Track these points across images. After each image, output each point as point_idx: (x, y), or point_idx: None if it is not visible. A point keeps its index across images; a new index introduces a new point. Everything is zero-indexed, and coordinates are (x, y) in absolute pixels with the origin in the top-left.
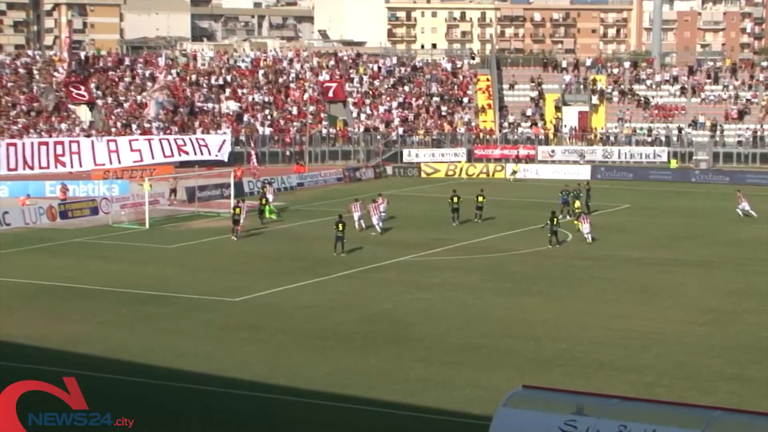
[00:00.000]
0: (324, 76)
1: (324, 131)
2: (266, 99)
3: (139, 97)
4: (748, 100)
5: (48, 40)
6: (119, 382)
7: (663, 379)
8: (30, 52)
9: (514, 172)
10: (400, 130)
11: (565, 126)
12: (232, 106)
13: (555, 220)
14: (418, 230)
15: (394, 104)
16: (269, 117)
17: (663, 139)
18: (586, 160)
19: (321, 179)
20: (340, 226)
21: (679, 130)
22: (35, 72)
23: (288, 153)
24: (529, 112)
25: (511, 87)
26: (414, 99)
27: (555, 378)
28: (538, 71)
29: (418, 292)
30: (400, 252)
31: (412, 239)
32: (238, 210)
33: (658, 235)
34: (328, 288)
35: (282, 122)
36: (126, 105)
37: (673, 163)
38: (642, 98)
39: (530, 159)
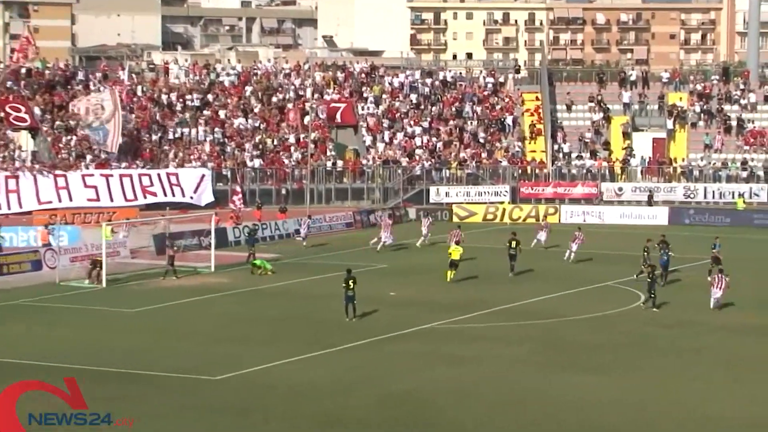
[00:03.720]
0: (330, 94)
1: (330, 164)
2: (257, 124)
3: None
4: None
5: None
6: None
7: None
8: None
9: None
10: (426, 163)
11: (636, 156)
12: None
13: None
14: (448, 289)
15: (419, 130)
16: (260, 146)
17: (762, 173)
18: (662, 200)
19: (326, 224)
20: (351, 282)
21: None
22: None
23: (284, 191)
24: (589, 140)
25: (568, 108)
26: (444, 123)
27: None
28: (600, 87)
29: (448, 368)
30: (425, 316)
31: (440, 300)
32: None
33: (760, 297)
34: (334, 362)
35: (277, 153)
36: (79, 131)
37: (740, 203)
38: (735, 122)
39: (592, 199)
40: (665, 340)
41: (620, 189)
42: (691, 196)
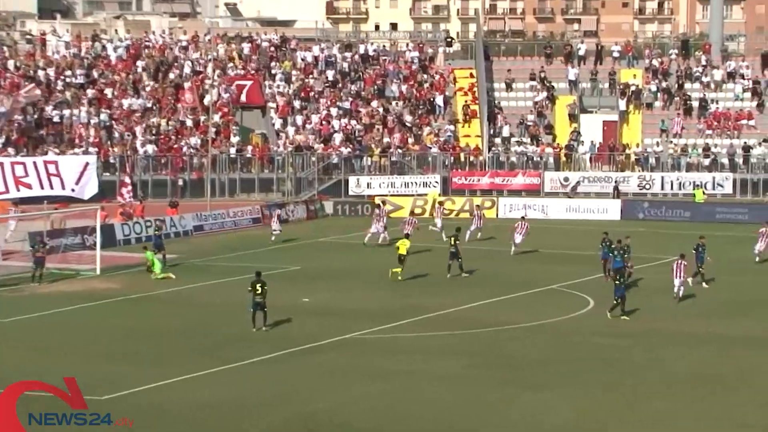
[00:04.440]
0: (234, 70)
1: (234, 151)
2: (149, 104)
3: None
4: None
5: None
6: None
7: None
8: None
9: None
10: (345, 150)
11: (584, 142)
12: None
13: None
14: (372, 293)
15: (336, 111)
16: (153, 131)
17: (726, 161)
18: (618, 192)
19: (229, 221)
20: (259, 287)
21: (748, 148)
22: None
23: (181, 182)
24: (531, 123)
25: (507, 87)
26: (365, 104)
27: None
28: (543, 63)
29: (373, 384)
30: (345, 325)
31: (362, 306)
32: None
33: (725, 301)
34: (241, 378)
35: (172, 138)
36: None
37: (699, 195)
38: (696, 102)
39: (533, 191)
40: (621, 351)
41: (566, 179)
42: (647, 187)
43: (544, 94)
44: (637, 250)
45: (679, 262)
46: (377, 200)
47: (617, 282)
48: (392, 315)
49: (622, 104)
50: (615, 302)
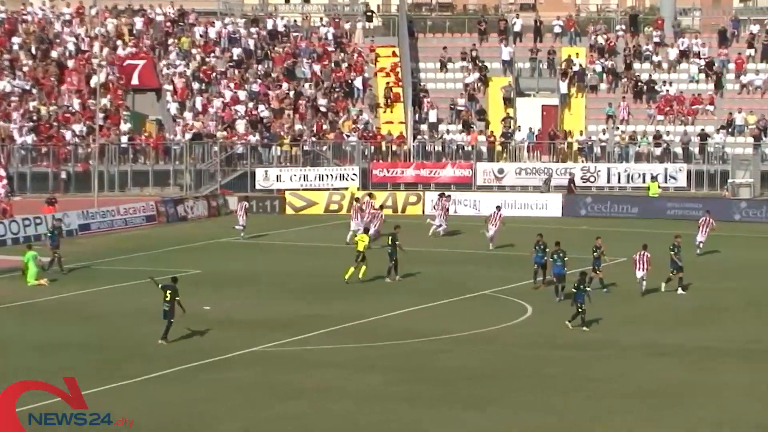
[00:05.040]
0: (124, 48)
1: (125, 140)
2: (27, 86)
3: None
4: None
5: None
6: None
7: None
8: None
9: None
10: (252, 138)
11: (521, 129)
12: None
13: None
14: (283, 300)
15: (242, 95)
16: (33, 117)
17: (679, 150)
18: (554, 185)
19: (119, 219)
20: (168, 294)
21: (705, 136)
22: None
23: (65, 175)
24: (462, 108)
25: (436, 67)
26: (274, 87)
27: None
28: (474, 41)
29: (283, 403)
30: (252, 337)
31: (271, 315)
32: None
33: (682, 308)
34: (133, 397)
35: (54, 125)
36: None
37: (653, 189)
38: (645, 85)
39: (464, 184)
40: (565, 365)
41: (500, 171)
42: (591, 179)
43: (476, 75)
44: (579, 250)
45: (642, 253)
46: (358, 193)
47: (578, 288)
48: (305, 325)
49: (563, 87)
50: (577, 311)
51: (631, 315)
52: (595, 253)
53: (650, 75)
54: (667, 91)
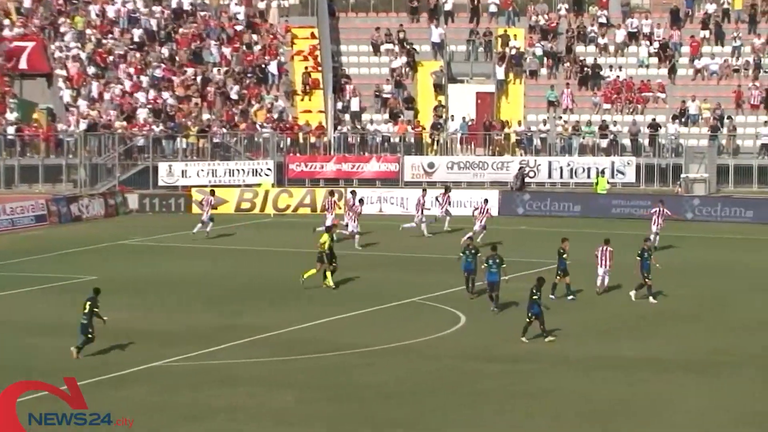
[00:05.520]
0: (11, 29)
1: (12, 130)
2: None
3: None
4: None
5: None
6: None
7: None
8: None
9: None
10: (156, 128)
11: (453, 118)
12: None
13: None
14: (188, 310)
15: (143, 81)
16: None
17: (628, 142)
18: (489, 180)
19: (5, 219)
20: (88, 305)
21: (656, 126)
22: None
23: None
24: (388, 95)
25: (365, 50)
26: (178, 72)
27: None
28: (403, 21)
29: (189, 425)
30: (155, 350)
31: (176, 327)
32: None
33: (626, 316)
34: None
35: None
36: None
37: (602, 184)
38: (589, 70)
39: (390, 179)
40: (499, 379)
41: (431, 165)
42: (531, 174)
43: (404, 59)
44: (517, 253)
45: (604, 248)
46: (337, 190)
47: (534, 296)
48: (214, 336)
49: (499, 72)
50: (528, 320)
51: (575, 323)
52: (564, 255)
53: (596, 59)
54: (615, 76)
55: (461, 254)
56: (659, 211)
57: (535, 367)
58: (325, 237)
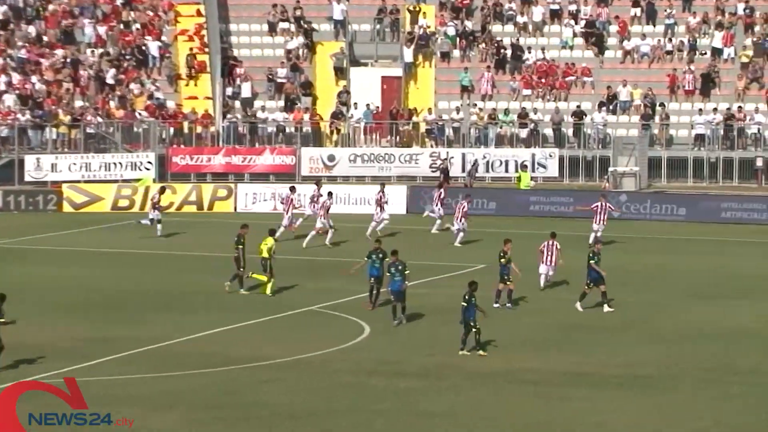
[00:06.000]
0: None
1: None
2: None
3: None
4: (716, 56)
5: None
6: None
7: None
8: None
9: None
10: (22, 117)
11: (356, 106)
12: None
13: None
14: (57, 321)
15: (7, 63)
16: None
17: (550, 132)
18: (396, 175)
19: None
20: None
21: (581, 114)
22: None
23: None
24: (283, 80)
25: (264, 28)
26: (47, 54)
27: None
28: None
29: None
30: (20, 367)
31: (44, 340)
32: None
33: (548, 324)
34: None
35: None
36: None
37: (525, 180)
38: (509, 51)
39: (286, 174)
40: (401, 397)
41: (331, 158)
42: (443, 167)
43: (301, 39)
44: (422, 256)
45: (550, 243)
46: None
47: (468, 302)
48: (87, 350)
49: (407, 54)
50: (464, 331)
51: (493, 333)
52: (502, 260)
53: (515, 39)
54: (536, 59)
55: (366, 258)
56: (602, 206)
57: (445, 384)
58: (270, 242)
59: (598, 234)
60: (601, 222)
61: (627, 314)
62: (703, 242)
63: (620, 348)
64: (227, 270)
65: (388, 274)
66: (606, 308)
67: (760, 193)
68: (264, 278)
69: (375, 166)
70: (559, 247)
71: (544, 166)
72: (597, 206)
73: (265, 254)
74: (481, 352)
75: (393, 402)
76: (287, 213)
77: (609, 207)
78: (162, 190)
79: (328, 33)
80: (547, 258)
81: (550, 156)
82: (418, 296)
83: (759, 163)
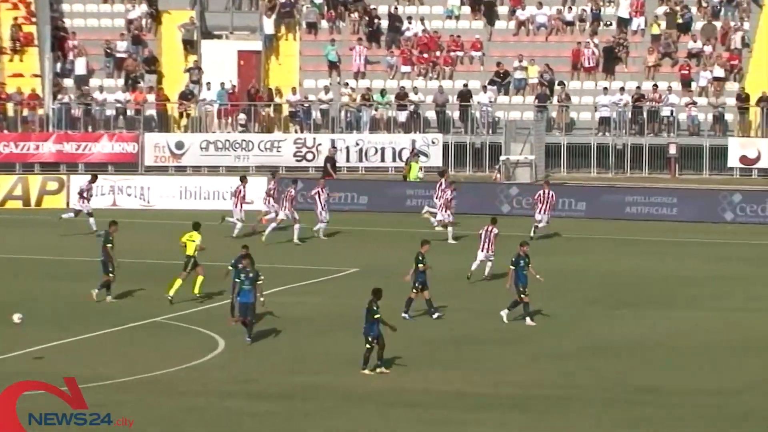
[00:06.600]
0: None
1: None
2: None
3: None
4: (623, 27)
5: None
6: None
7: None
8: None
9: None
10: None
11: (209, 86)
12: None
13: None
14: None
15: None
16: None
17: (433, 115)
18: (256, 165)
19: None
20: None
21: (468, 94)
22: None
23: None
24: (124, 54)
25: None
26: None
27: None
28: None
29: None
30: None
31: None
32: None
33: (438, 340)
34: None
35: None
36: None
37: (414, 171)
38: (385, 21)
39: (126, 164)
40: (263, 422)
41: (179, 146)
42: (308, 157)
43: (144, 8)
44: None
45: (489, 228)
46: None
47: (370, 314)
48: None
49: (268, 25)
50: (367, 347)
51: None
52: (420, 265)
53: (392, 8)
54: (416, 32)
55: (230, 267)
56: (545, 194)
57: (312, 407)
58: (197, 237)
59: (539, 224)
60: (545, 211)
61: (520, 326)
62: (605, 241)
63: (513, 365)
64: (61, 275)
65: (237, 280)
66: (529, 322)
67: (672, 185)
68: (179, 281)
69: (231, 155)
70: (496, 232)
71: (425, 155)
72: (540, 195)
73: (191, 251)
74: (382, 370)
75: (251, 427)
76: (236, 207)
77: (552, 195)
78: (94, 178)
79: (176, 2)
80: (484, 244)
81: (433, 143)
82: (277, 305)
83: (672, 150)
